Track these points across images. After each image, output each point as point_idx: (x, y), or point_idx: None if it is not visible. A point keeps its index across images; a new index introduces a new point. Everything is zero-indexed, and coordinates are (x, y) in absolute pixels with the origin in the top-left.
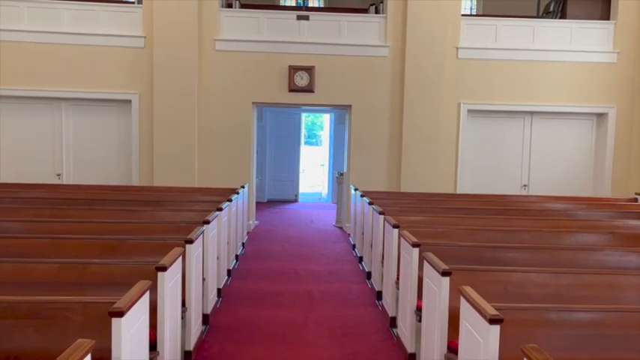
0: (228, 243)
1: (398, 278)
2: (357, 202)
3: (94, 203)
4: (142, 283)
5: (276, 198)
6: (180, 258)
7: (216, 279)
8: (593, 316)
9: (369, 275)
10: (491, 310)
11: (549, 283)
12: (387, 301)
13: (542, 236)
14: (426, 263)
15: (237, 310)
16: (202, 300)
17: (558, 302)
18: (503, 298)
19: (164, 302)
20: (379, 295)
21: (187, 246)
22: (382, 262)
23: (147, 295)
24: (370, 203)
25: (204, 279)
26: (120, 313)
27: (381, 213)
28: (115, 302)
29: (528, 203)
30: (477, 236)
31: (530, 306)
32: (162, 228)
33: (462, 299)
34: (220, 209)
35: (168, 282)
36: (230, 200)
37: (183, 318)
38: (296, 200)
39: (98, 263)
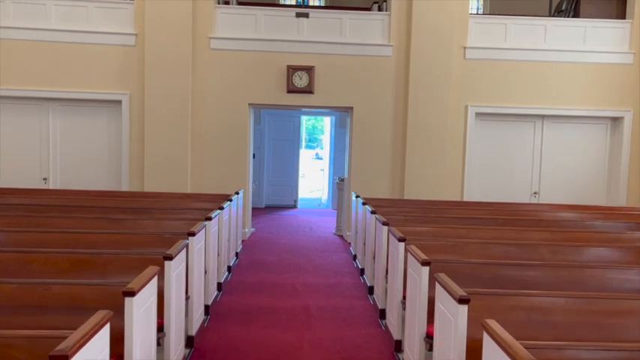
0: (218, 255)
1: (404, 297)
2: (359, 211)
3: (74, 210)
4: (103, 315)
5: (275, 204)
6: (156, 278)
7: (204, 295)
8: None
9: (371, 290)
10: (526, 355)
11: (580, 310)
12: (392, 321)
13: (561, 251)
14: (438, 286)
15: (227, 330)
16: (185, 321)
17: (594, 334)
18: (527, 329)
19: (132, 332)
20: (382, 313)
21: (166, 263)
22: (386, 278)
23: (106, 328)
24: (373, 212)
25: (187, 297)
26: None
27: (385, 224)
28: (67, 337)
29: (540, 212)
30: (490, 251)
31: (567, 344)
32: (144, 240)
33: (486, 336)
34: (209, 219)
35: (139, 307)
36: (222, 208)
37: (160, 344)
38: (295, 206)
39: (61, 284)
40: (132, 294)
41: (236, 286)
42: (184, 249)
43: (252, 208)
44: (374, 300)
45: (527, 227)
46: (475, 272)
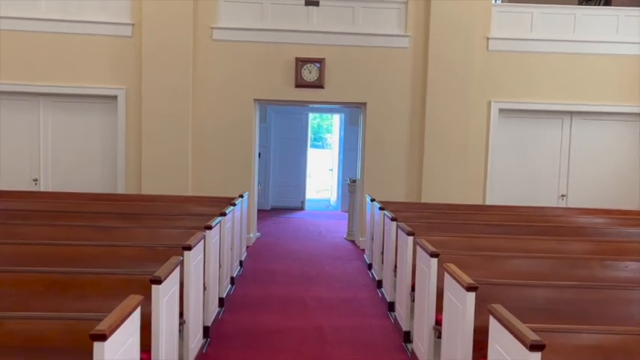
0: (220, 267)
1: (438, 322)
2: (375, 216)
3: (60, 217)
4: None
5: (281, 205)
6: (140, 309)
7: (202, 316)
8: None
9: (391, 307)
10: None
11: None
12: (421, 348)
13: (614, 266)
14: (492, 320)
15: (228, 357)
16: (180, 348)
17: None
18: None
19: None
20: (407, 336)
21: (154, 287)
22: (412, 297)
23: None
24: (394, 219)
25: (182, 322)
26: None
27: (410, 234)
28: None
29: (573, 218)
30: (536, 267)
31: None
32: (134, 254)
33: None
34: (209, 227)
35: (113, 353)
36: (224, 214)
37: None
38: (302, 208)
39: (18, 318)
40: (103, 338)
41: (240, 301)
42: (178, 267)
43: (258, 211)
44: (395, 319)
45: (567, 237)
46: (528, 297)
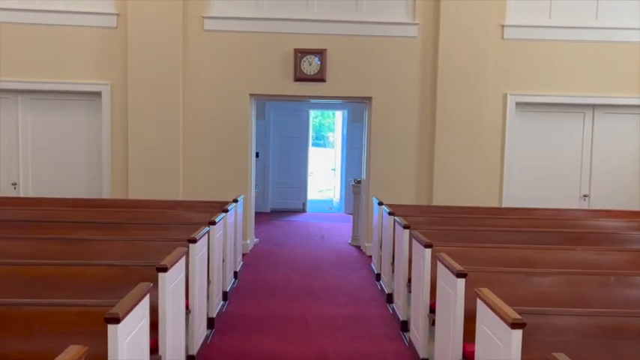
0: (209, 283)
1: (466, 356)
2: (384, 222)
3: (32, 227)
4: None
5: (281, 208)
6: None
7: (185, 344)
8: None
9: (404, 326)
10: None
11: None
12: None
13: None
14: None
15: None
16: None
17: None
18: None
19: None
20: None
21: (109, 328)
22: (430, 319)
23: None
24: (406, 227)
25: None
26: None
27: (427, 245)
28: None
29: (602, 222)
30: (584, 289)
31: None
32: (102, 275)
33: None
34: (193, 241)
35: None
36: (213, 223)
37: None
38: (304, 210)
39: None
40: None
41: (232, 322)
42: (147, 296)
43: (256, 213)
44: (410, 342)
45: (603, 246)
46: (584, 327)
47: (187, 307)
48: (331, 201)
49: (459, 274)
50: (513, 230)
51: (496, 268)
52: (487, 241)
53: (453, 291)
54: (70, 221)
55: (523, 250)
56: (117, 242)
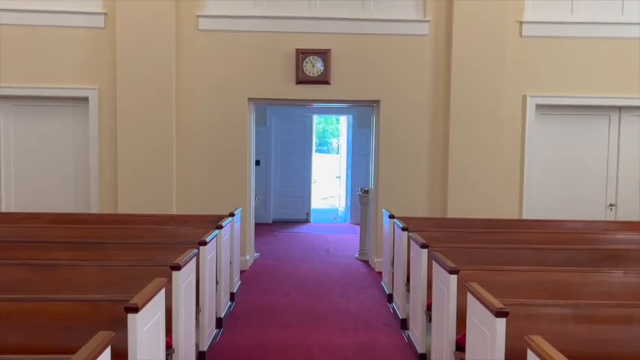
0: (199, 311)
1: None
2: (397, 237)
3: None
4: None
5: (284, 218)
6: None
7: None
8: None
9: (422, 359)
10: None
11: None
12: None
13: None
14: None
15: None
16: None
17: None
18: None
19: None
20: None
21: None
22: (457, 357)
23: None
24: (424, 246)
25: None
26: None
27: (453, 272)
28: None
29: (635, 235)
30: None
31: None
32: (68, 312)
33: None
34: (177, 268)
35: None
36: (203, 243)
37: None
38: (307, 220)
39: None
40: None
41: (227, 354)
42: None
43: (257, 224)
44: None
45: None
46: None
47: (169, 346)
48: (336, 210)
49: (499, 313)
50: (541, 248)
51: (538, 301)
52: (516, 262)
53: (491, 331)
54: (44, 241)
55: (559, 274)
56: (92, 268)
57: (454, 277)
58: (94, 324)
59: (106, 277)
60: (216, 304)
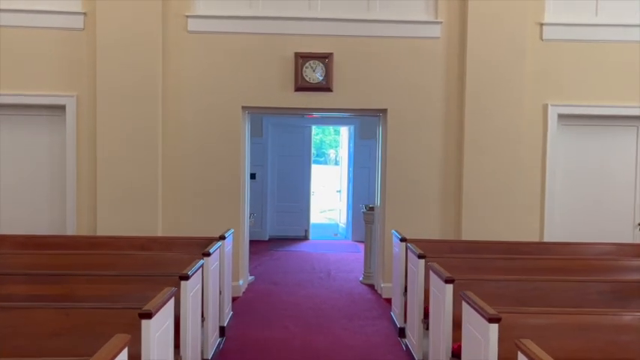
0: (179, 357)
1: None
2: (411, 265)
3: None
4: None
5: (281, 235)
6: None
7: None
8: None
9: None
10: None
11: None
12: None
13: None
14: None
15: None
16: None
17: None
18: None
19: None
20: None
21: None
22: None
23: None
24: (449, 280)
25: None
26: None
27: (493, 319)
28: None
29: None
30: None
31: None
32: None
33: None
34: (147, 316)
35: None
36: (185, 277)
37: None
38: (306, 237)
39: None
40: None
41: None
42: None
43: (253, 242)
44: None
45: None
46: None
47: None
48: (337, 225)
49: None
50: (579, 281)
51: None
52: (550, 297)
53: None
54: (2, 273)
55: (615, 317)
56: (44, 310)
57: (494, 327)
58: None
59: (61, 325)
60: (203, 344)
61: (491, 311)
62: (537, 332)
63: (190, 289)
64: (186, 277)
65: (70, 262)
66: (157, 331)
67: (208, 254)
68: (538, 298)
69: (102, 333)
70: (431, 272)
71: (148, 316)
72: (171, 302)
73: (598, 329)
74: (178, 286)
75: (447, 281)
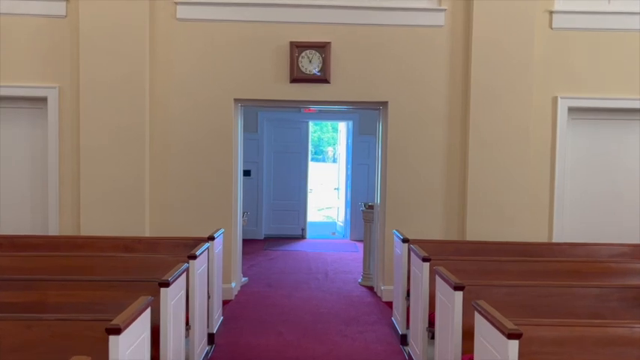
0: None
1: None
2: (415, 268)
3: None
4: None
5: (277, 234)
6: None
7: None
8: None
9: None
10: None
11: None
12: None
13: None
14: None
15: None
16: None
17: None
18: None
19: None
20: None
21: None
22: None
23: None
24: (459, 287)
25: None
26: None
27: (513, 336)
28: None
29: None
30: None
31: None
32: None
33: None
34: (116, 332)
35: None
36: (165, 284)
37: None
38: (303, 236)
39: None
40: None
41: None
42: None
43: (248, 242)
44: None
45: None
46: None
47: None
48: (334, 224)
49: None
50: (598, 286)
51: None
52: (568, 306)
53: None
54: None
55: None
56: (2, 323)
57: (514, 343)
58: None
59: (24, 338)
60: (188, 355)
61: (511, 326)
62: (559, 347)
63: (172, 296)
64: (167, 284)
65: (47, 265)
66: (127, 347)
67: (194, 257)
68: (553, 305)
69: (68, 348)
70: (437, 277)
71: (117, 331)
72: (147, 313)
73: (628, 343)
74: (158, 293)
75: (457, 288)
